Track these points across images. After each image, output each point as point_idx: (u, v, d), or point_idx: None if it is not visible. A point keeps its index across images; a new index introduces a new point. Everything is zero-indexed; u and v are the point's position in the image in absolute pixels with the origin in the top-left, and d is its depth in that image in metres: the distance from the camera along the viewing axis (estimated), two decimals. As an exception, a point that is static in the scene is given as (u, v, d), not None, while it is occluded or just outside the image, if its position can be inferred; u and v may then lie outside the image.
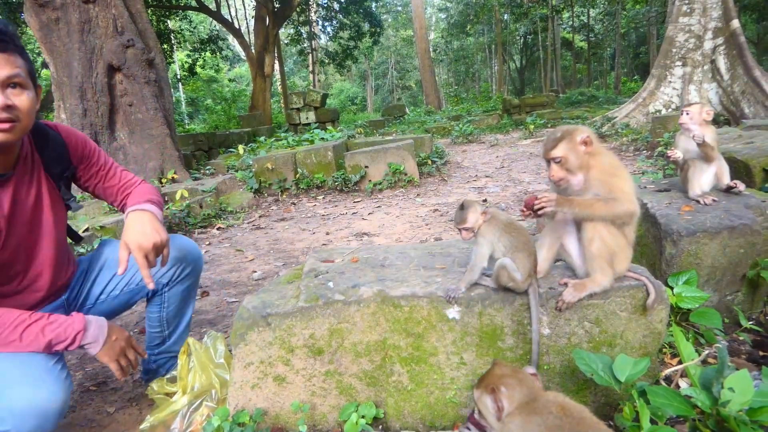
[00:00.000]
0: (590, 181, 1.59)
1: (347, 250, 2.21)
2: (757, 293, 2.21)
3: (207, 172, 9.11)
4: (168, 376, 2.01)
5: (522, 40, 34.34)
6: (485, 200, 5.69)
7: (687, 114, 2.35)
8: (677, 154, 2.43)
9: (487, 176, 7.33)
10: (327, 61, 27.53)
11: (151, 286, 1.61)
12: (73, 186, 1.82)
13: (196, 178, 8.04)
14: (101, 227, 4.62)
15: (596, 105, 16.20)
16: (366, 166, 6.91)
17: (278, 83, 26.65)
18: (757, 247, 2.10)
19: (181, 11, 20.93)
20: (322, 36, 30.92)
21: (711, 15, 9.16)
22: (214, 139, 12.58)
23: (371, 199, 6.46)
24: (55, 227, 1.68)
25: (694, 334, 2.05)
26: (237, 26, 22.40)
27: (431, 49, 30.76)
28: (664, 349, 1.98)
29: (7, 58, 1.35)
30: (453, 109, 21.58)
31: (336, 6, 24.35)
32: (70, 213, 1.80)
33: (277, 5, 19.79)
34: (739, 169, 2.93)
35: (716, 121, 8.00)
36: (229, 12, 24.35)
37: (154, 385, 1.95)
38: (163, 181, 7.38)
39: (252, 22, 25.04)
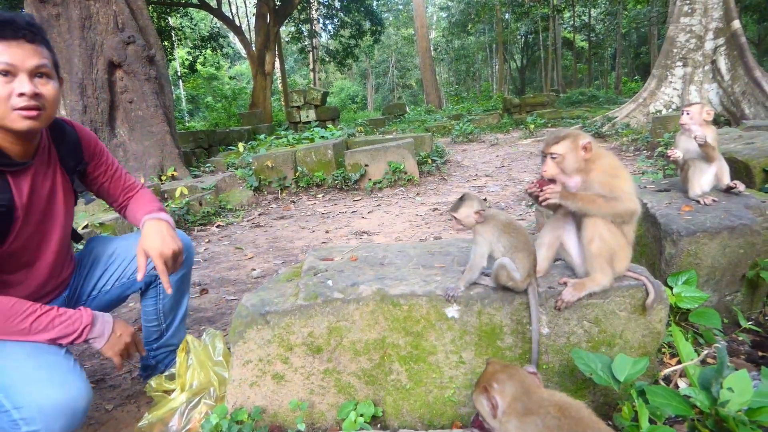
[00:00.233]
0: (591, 183, 1.60)
1: (346, 248, 2.21)
2: (757, 294, 2.21)
3: (207, 169, 9.11)
4: (166, 373, 2.01)
5: (523, 40, 34.32)
6: (485, 199, 5.69)
7: (687, 114, 2.35)
8: (677, 153, 2.43)
9: (487, 175, 7.32)
10: (328, 59, 27.49)
11: (169, 291, 1.70)
12: None
13: (195, 176, 8.03)
14: (100, 224, 4.62)
15: (597, 105, 16.19)
16: (366, 165, 6.91)
17: (279, 81, 26.64)
18: (756, 247, 2.09)
19: (182, 8, 20.87)
20: (323, 34, 30.86)
21: (712, 15, 9.15)
22: (214, 136, 12.55)
23: (371, 198, 6.46)
24: (65, 220, 1.72)
25: (694, 334, 2.05)
26: (238, 24, 22.35)
27: (432, 48, 30.69)
28: (663, 349, 1.98)
29: (36, 49, 1.41)
30: (453, 108, 21.56)
31: (337, 4, 24.32)
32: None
33: (278, 3, 19.75)
34: (739, 169, 2.93)
35: (716, 122, 8.00)
36: (230, 9, 24.33)
37: (153, 383, 1.95)
38: (163, 178, 7.38)
39: (253, 20, 24.99)
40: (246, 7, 31.28)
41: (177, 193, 5.85)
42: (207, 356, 1.89)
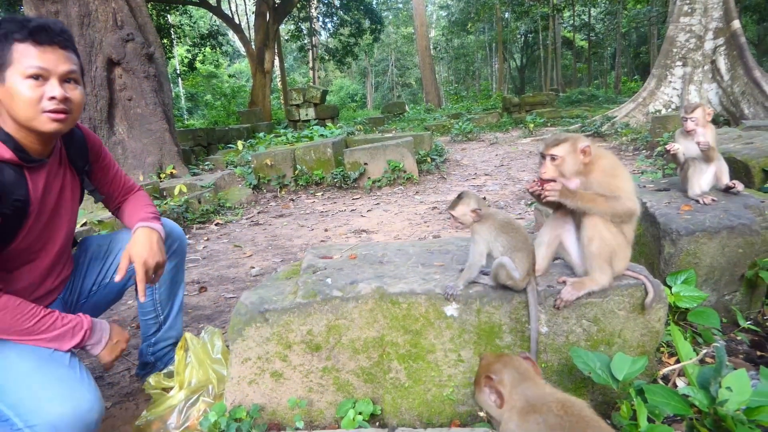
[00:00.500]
0: (590, 183, 1.60)
1: (345, 246, 2.21)
2: (756, 293, 2.21)
3: (206, 167, 9.10)
4: (165, 371, 2.00)
5: (522, 39, 34.28)
6: (484, 198, 5.68)
7: (692, 121, 2.36)
8: (676, 146, 2.44)
9: (486, 174, 7.32)
10: (327, 57, 27.45)
11: (143, 299, 1.73)
12: None
13: (194, 174, 8.02)
14: (99, 222, 4.61)
15: (596, 104, 16.19)
16: (365, 164, 6.91)
17: (278, 79, 26.57)
18: (755, 247, 2.10)
19: (181, 6, 20.81)
20: (323, 32, 30.81)
21: (712, 15, 9.16)
22: (213, 134, 12.53)
23: (370, 197, 6.46)
24: (71, 220, 1.75)
25: (692, 333, 2.05)
26: (237, 22, 22.31)
27: (432, 47, 30.68)
28: (662, 348, 1.98)
29: (67, 56, 1.46)
30: (453, 107, 21.56)
31: (337, 2, 24.27)
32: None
33: (277, 1, 19.70)
34: (738, 169, 2.93)
35: (716, 122, 8.00)
36: (230, 7, 24.26)
37: (151, 380, 1.94)
38: (162, 176, 7.37)
39: (252, 18, 24.95)
40: (245, 5, 31.19)
41: (176, 191, 5.84)
42: (206, 354, 1.89)
